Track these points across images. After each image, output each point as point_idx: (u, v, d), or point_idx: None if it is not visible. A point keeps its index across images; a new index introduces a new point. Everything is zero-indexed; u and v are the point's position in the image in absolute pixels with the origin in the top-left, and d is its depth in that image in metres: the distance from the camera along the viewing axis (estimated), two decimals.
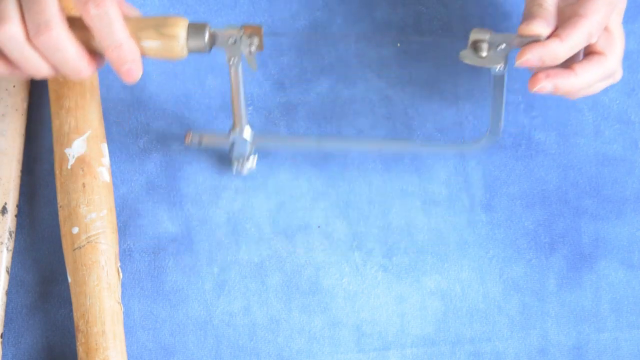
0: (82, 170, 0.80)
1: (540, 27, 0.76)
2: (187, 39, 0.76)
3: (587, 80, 0.77)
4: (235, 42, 0.77)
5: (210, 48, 0.77)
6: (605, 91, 0.87)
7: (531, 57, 0.75)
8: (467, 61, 0.77)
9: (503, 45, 0.76)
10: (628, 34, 0.88)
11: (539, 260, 0.84)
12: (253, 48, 0.77)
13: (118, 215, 0.83)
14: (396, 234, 0.84)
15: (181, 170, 0.85)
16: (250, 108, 0.86)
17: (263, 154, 0.85)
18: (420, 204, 0.85)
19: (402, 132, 0.86)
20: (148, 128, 0.86)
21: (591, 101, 0.87)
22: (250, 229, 0.84)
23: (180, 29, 0.75)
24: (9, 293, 0.82)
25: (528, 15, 0.77)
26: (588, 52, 0.78)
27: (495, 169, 0.86)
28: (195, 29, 0.76)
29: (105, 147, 0.82)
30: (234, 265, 0.83)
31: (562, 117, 0.87)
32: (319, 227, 0.84)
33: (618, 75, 0.79)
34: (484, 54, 0.76)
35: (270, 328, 0.82)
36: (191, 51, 0.76)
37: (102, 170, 0.80)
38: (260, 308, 0.82)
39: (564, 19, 0.77)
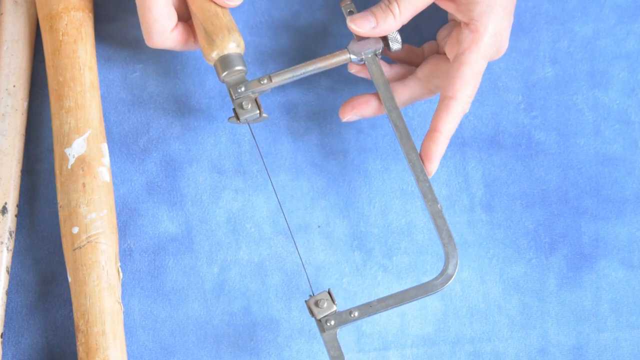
0: (82, 170, 0.80)
1: (358, 26, 0.80)
2: (218, 60, 0.80)
3: (449, 132, 0.79)
4: (241, 105, 0.80)
5: (224, 82, 0.81)
6: (605, 91, 0.88)
7: (435, 163, 0.79)
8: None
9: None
10: (628, 34, 0.89)
11: (539, 260, 0.84)
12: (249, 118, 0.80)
13: (118, 215, 0.83)
14: (396, 234, 0.84)
15: (181, 170, 0.85)
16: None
17: (263, 154, 0.85)
18: (421, 204, 0.85)
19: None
20: (148, 128, 0.86)
21: (591, 101, 0.88)
22: (250, 229, 0.84)
23: (221, 47, 0.79)
24: (9, 293, 0.82)
25: (370, 10, 0.81)
26: (440, 96, 0.80)
27: (495, 169, 0.86)
28: (229, 62, 0.80)
29: (105, 147, 0.82)
30: (234, 265, 0.83)
31: (562, 117, 0.87)
32: (319, 227, 0.84)
33: (468, 106, 0.81)
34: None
35: (270, 328, 0.82)
36: (213, 66, 0.81)
37: (102, 170, 0.80)
38: (260, 308, 0.82)
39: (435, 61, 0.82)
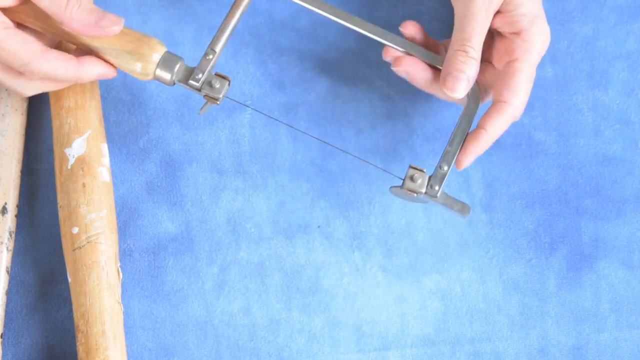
0: (82, 170, 0.80)
1: (459, 93, 0.79)
2: (158, 65, 0.77)
3: (496, 133, 0.79)
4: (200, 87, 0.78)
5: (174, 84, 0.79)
6: (605, 91, 0.88)
7: (470, 159, 0.78)
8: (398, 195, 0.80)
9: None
10: (628, 34, 0.89)
11: (539, 260, 0.84)
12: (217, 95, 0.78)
13: (118, 215, 0.83)
14: (396, 234, 0.84)
15: (181, 170, 0.85)
16: (250, 108, 0.86)
17: (263, 154, 0.85)
18: (421, 204, 0.85)
19: (402, 132, 0.86)
20: (148, 128, 0.86)
21: (591, 101, 0.88)
22: (250, 229, 0.84)
23: (154, 50, 0.77)
24: (9, 293, 0.82)
25: (449, 69, 0.79)
26: (493, 100, 0.79)
27: (495, 169, 0.86)
28: (169, 61, 0.77)
29: (105, 147, 0.82)
30: (234, 265, 0.83)
31: (562, 117, 0.87)
32: (319, 227, 0.84)
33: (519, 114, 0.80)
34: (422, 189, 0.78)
35: (270, 328, 0.82)
36: (156, 79, 0.78)
37: (102, 170, 0.80)
38: (260, 308, 0.82)
39: (500, 55, 0.81)
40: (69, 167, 0.80)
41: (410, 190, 0.77)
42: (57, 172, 0.80)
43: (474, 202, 0.85)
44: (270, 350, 0.82)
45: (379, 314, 0.83)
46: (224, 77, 0.78)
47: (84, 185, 0.79)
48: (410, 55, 0.81)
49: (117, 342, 0.77)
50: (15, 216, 0.82)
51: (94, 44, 0.77)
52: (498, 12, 0.80)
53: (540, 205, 0.85)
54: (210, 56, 0.79)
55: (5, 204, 0.81)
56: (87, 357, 0.76)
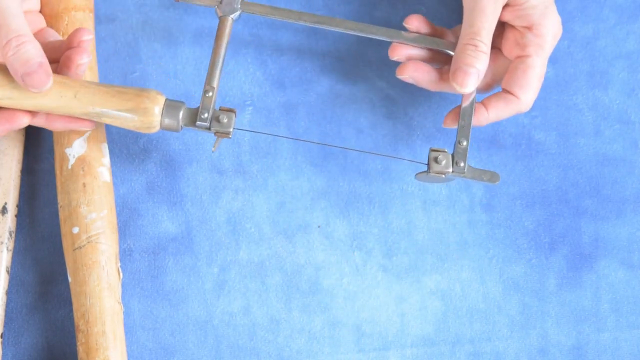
0: (83, 170, 0.80)
1: (469, 88, 0.79)
2: (163, 116, 0.77)
3: (496, 118, 0.80)
4: (209, 127, 0.78)
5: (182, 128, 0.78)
6: (605, 91, 0.88)
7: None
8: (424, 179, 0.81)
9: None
10: (628, 34, 0.89)
11: (539, 260, 0.84)
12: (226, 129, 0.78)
13: (118, 215, 0.83)
14: (396, 234, 0.84)
15: (181, 170, 0.85)
16: (250, 108, 0.86)
17: (263, 154, 0.85)
18: (420, 204, 0.85)
19: (402, 132, 0.86)
20: None
21: (591, 101, 0.88)
22: (250, 229, 0.84)
23: (154, 102, 0.76)
24: (9, 293, 0.82)
25: (459, 64, 0.78)
26: (503, 89, 0.80)
27: (495, 169, 0.86)
28: (173, 108, 0.77)
29: (105, 147, 0.82)
30: (234, 265, 0.83)
31: (562, 117, 0.87)
32: (319, 227, 0.84)
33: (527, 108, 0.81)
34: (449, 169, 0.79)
35: (270, 328, 0.82)
36: (164, 129, 0.78)
37: (103, 170, 0.80)
38: (260, 308, 0.82)
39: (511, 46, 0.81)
40: (70, 167, 0.80)
41: (437, 173, 0.78)
42: (57, 172, 0.80)
43: (474, 202, 0.85)
44: (270, 350, 0.82)
45: (379, 314, 0.83)
46: (229, 110, 0.78)
47: (84, 185, 0.79)
48: (417, 46, 0.81)
49: (117, 342, 0.77)
50: (15, 216, 0.82)
51: (92, 110, 0.76)
52: (507, 5, 0.79)
53: (540, 205, 0.85)
54: (210, 93, 0.78)
55: (5, 204, 0.81)
56: (87, 357, 0.76)
